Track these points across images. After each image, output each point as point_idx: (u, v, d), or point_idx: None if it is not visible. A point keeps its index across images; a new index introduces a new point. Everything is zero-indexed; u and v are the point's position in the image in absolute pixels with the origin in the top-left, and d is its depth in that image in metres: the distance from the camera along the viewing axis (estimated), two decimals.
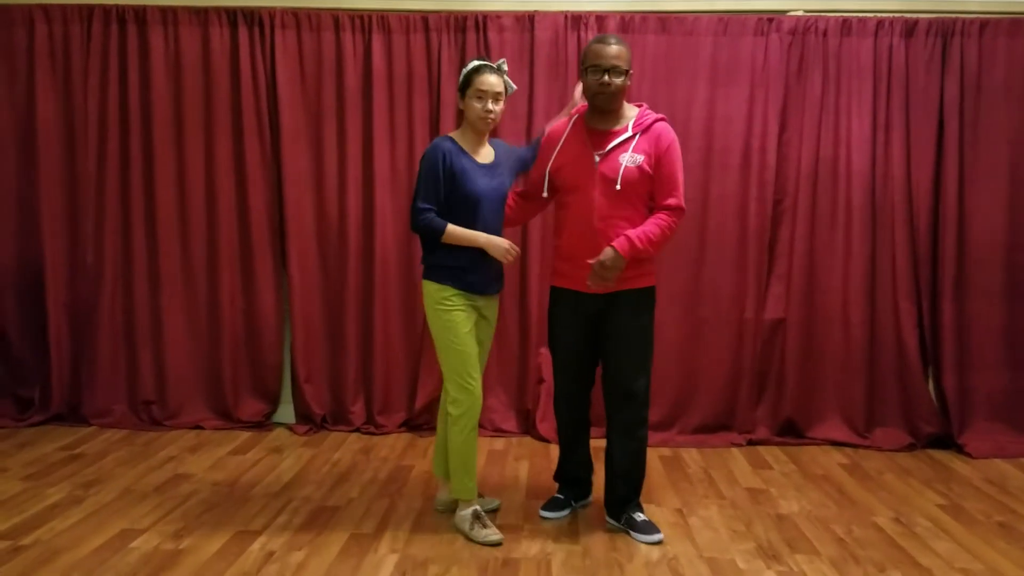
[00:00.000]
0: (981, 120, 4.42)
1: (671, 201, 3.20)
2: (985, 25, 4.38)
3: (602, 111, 3.23)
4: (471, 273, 3.20)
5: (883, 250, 4.49)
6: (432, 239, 3.19)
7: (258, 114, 4.50)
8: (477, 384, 3.22)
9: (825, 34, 4.42)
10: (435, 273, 3.21)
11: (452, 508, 3.38)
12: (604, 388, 3.35)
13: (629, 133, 3.20)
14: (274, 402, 4.70)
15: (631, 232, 3.13)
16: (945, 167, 4.44)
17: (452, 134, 3.25)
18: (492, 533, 3.19)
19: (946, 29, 4.40)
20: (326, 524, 3.33)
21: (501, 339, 4.55)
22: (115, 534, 3.19)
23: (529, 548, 3.15)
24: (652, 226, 3.16)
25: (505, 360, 4.59)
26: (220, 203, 4.54)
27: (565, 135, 3.29)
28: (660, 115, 3.29)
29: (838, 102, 4.45)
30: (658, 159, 3.19)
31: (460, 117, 3.32)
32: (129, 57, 4.48)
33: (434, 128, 4.50)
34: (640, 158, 3.17)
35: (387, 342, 4.59)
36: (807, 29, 4.43)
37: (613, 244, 3.10)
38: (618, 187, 3.15)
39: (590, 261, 3.12)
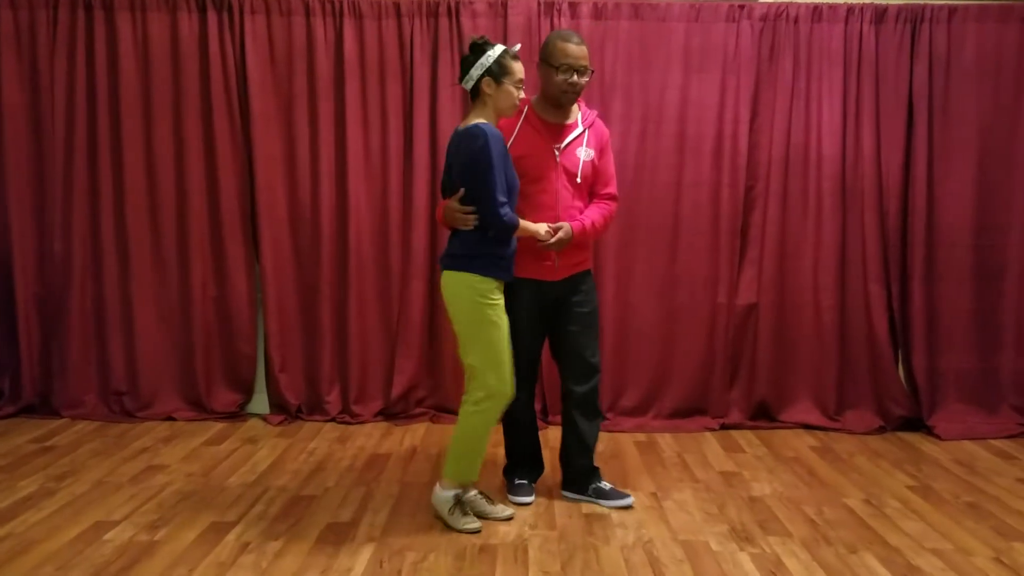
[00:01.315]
0: (950, 105, 4.47)
1: (611, 190, 3.48)
2: (954, 11, 4.43)
3: (561, 107, 3.35)
4: (512, 263, 3.18)
5: (853, 234, 4.54)
6: (507, 235, 3.10)
7: (228, 100, 4.45)
8: (512, 380, 3.16)
9: (796, 20, 4.45)
10: (479, 264, 3.07)
11: (439, 509, 3.24)
12: (566, 367, 3.48)
13: (581, 128, 3.38)
14: (248, 392, 4.67)
15: (585, 219, 3.35)
16: (914, 152, 4.49)
17: (479, 120, 3.08)
18: (471, 521, 3.19)
19: (915, 15, 4.44)
20: (303, 513, 3.33)
21: None
22: (89, 526, 3.17)
23: (507, 534, 3.16)
24: (598, 215, 3.40)
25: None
26: (190, 191, 4.50)
27: (519, 126, 3.34)
28: (596, 111, 3.52)
29: (809, 88, 4.49)
30: (601, 152, 3.43)
31: (465, 102, 3.31)
32: (96, 43, 4.41)
33: (408, 114, 4.48)
34: (592, 152, 3.39)
35: (363, 330, 4.58)
36: (778, 15, 4.45)
37: (572, 224, 3.29)
38: (579, 180, 3.36)
39: (551, 237, 3.22)
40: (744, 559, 2.97)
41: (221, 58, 4.42)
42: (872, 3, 4.44)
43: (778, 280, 4.58)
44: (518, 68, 3.09)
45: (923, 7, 4.43)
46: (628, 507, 3.42)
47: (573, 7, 4.42)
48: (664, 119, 4.47)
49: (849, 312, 4.57)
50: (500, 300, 3.12)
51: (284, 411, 4.58)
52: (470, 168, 3.02)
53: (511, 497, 3.49)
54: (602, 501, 3.46)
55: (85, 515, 3.27)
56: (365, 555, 2.96)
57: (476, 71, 3.06)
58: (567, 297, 3.41)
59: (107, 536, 3.08)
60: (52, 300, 4.55)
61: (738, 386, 4.63)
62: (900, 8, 4.43)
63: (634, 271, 4.54)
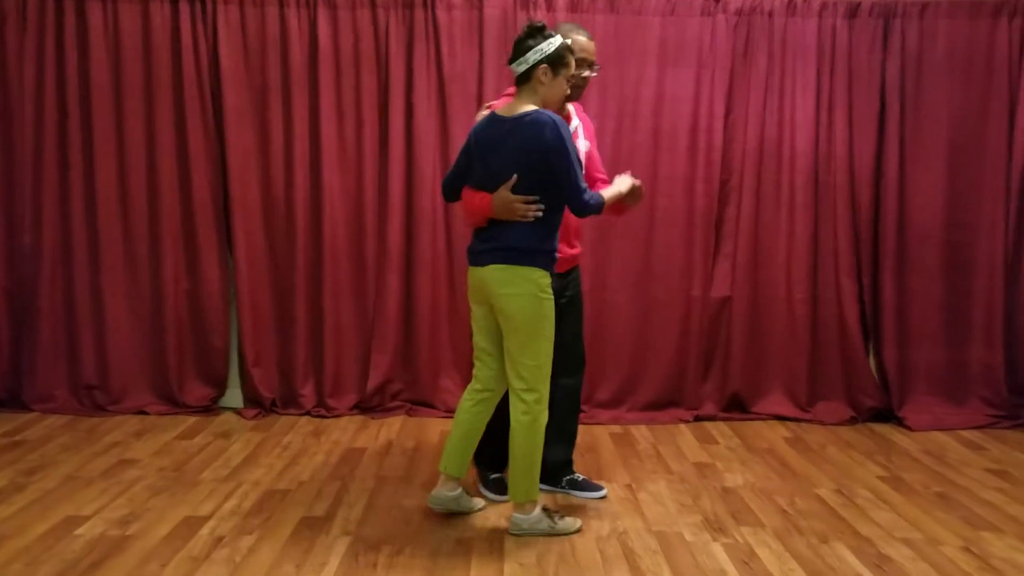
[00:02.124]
0: (922, 100, 4.52)
1: (605, 175, 3.48)
2: (926, 7, 4.47)
3: (569, 100, 3.32)
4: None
5: (825, 228, 4.57)
6: (599, 213, 3.02)
7: (200, 91, 4.40)
8: None
9: (771, 15, 4.47)
10: (540, 259, 2.96)
11: (448, 508, 3.20)
12: (557, 360, 3.33)
13: (576, 120, 3.37)
14: (221, 386, 4.63)
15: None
16: (886, 146, 4.53)
17: (533, 107, 2.94)
18: (574, 520, 3.15)
19: (888, 10, 4.47)
20: (277, 507, 3.31)
21: (455, 320, 4.56)
22: (60, 521, 3.14)
23: (482, 527, 3.17)
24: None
25: (458, 341, 4.59)
26: (162, 183, 4.45)
27: None
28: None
29: (783, 82, 4.52)
30: (592, 142, 3.46)
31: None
32: (66, 33, 4.35)
33: (383, 107, 4.45)
34: (588, 144, 3.39)
35: (337, 323, 4.56)
36: (753, 10, 4.47)
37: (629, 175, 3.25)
38: (583, 172, 3.32)
39: (636, 183, 3.19)
40: (717, 549, 3.00)
41: (193, 49, 4.37)
42: None
43: (751, 273, 4.61)
44: (573, 63, 3.01)
45: (896, 3, 4.47)
46: (602, 498, 3.44)
47: (549, 0, 4.41)
48: (639, 113, 4.48)
49: (821, 305, 4.62)
50: (552, 295, 3.02)
51: (258, 405, 4.56)
52: (542, 158, 2.87)
53: (490, 494, 3.45)
54: (577, 492, 3.48)
55: (55, 510, 3.24)
56: (340, 549, 2.95)
57: (534, 56, 2.89)
58: (562, 291, 3.37)
59: (78, 531, 3.05)
60: (22, 294, 4.49)
61: (712, 378, 4.66)
62: (873, 4, 4.47)
63: (609, 265, 4.56)
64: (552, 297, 3.00)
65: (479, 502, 3.34)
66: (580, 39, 3.27)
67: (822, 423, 4.56)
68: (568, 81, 3.00)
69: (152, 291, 4.52)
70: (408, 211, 4.50)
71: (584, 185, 2.93)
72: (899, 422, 4.56)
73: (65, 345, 4.53)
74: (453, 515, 3.24)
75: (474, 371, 3.18)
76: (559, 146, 2.85)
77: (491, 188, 2.97)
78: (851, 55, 4.49)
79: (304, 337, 4.57)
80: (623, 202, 3.20)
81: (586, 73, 3.29)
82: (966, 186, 4.57)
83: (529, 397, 2.99)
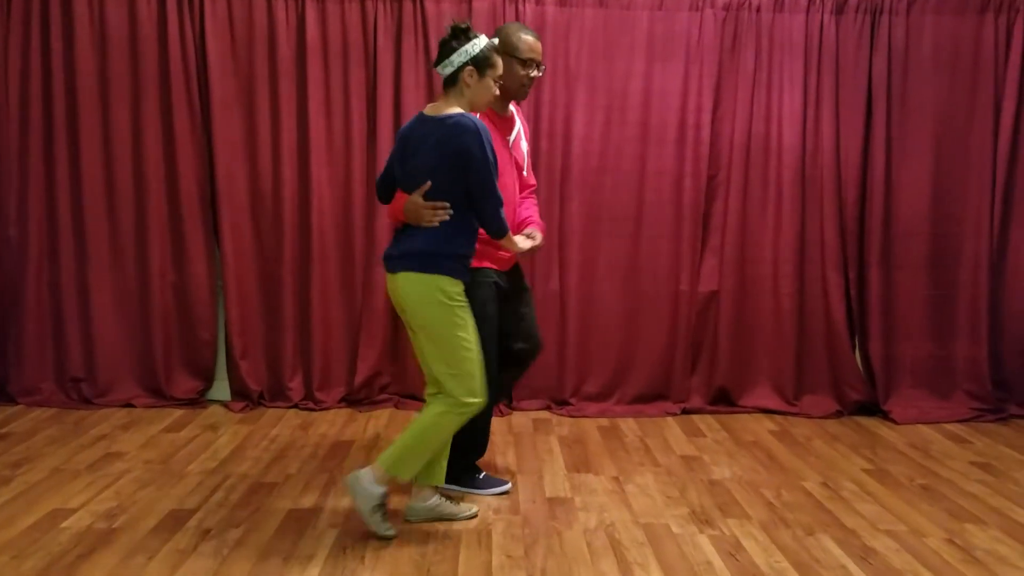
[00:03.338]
0: (908, 95, 4.54)
1: (534, 182, 3.55)
2: (912, 2, 4.49)
3: (516, 100, 3.37)
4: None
5: (812, 223, 4.60)
6: (501, 237, 2.97)
7: (187, 84, 4.38)
8: (484, 386, 3.00)
9: (758, 10, 4.49)
10: (448, 265, 2.88)
11: (427, 518, 3.13)
12: (518, 350, 3.46)
13: (519, 122, 3.40)
14: (208, 379, 4.62)
15: (538, 220, 3.42)
16: (873, 141, 4.55)
17: (458, 110, 2.89)
18: (391, 528, 3.01)
19: (875, 6, 4.49)
20: (264, 500, 3.31)
21: None
22: (46, 513, 3.12)
23: (470, 519, 3.17)
24: (535, 210, 3.47)
25: None
26: (149, 176, 4.43)
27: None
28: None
29: (770, 78, 4.53)
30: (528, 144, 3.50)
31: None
32: (52, 25, 4.32)
33: (371, 99, 4.45)
34: (527, 145, 3.44)
35: (325, 316, 4.55)
36: (741, 5, 4.48)
37: (539, 229, 3.33)
38: (525, 173, 3.42)
39: (532, 244, 3.21)
40: (704, 541, 3.01)
41: (180, 41, 4.34)
42: None
43: (738, 268, 4.63)
44: (500, 64, 2.96)
45: None
46: (506, 493, 3.43)
47: None
48: (628, 107, 4.49)
49: (807, 299, 4.64)
50: (466, 301, 2.95)
51: (246, 398, 4.55)
52: (459, 163, 2.82)
53: (483, 491, 3.42)
54: (479, 491, 3.43)
55: (41, 503, 3.22)
56: (328, 541, 2.95)
57: (459, 58, 2.86)
58: (515, 284, 3.42)
59: (64, 524, 3.04)
60: (8, 286, 4.46)
61: (699, 372, 4.68)
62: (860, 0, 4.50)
63: (597, 259, 4.56)
64: (465, 303, 2.92)
65: (468, 508, 3.21)
66: (527, 38, 3.27)
67: (808, 416, 4.59)
68: (496, 82, 2.95)
69: (139, 283, 4.50)
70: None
71: (499, 198, 2.89)
72: (884, 415, 4.60)
73: (51, 338, 4.51)
74: None
75: (425, 375, 3.11)
76: (479, 154, 2.80)
77: (408, 189, 2.93)
78: (838, 51, 4.51)
79: (292, 330, 4.56)
80: (511, 250, 3.18)
81: (534, 73, 3.29)
82: (952, 181, 4.60)
83: (447, 402, 2.95)
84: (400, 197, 3.01)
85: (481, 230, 3.02)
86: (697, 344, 4.66)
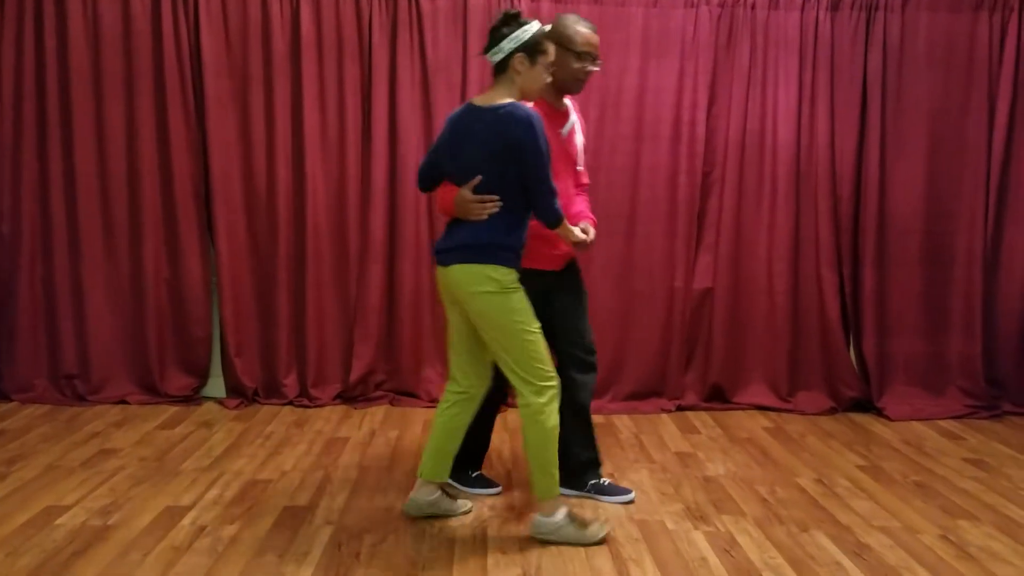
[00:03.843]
0: (903, 92, 4.55)
1: (587, 180, 3.40)
2: (907, 0, 4.49)
3: (570, 94, 3.25)
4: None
5: (807, 220, 4.60)
6: (555, 228, 2.91)
7: (181, 80, 4.37)
8: (552, 365, 2.94)
9: (753, 7, 4.49)
10: (503, 256, 2.84)
11: (426, 512, 3.11)
12: (567, 355, 3.33)
13: (574, 115, 3.28)
14: (203, 376, 4.61)
15: (592, 217, 3.29)
16: (868, 139, 4.56)
17: (511, 100, 2.82)
18: (601, 527, 2.98)
19: (870, 3, 4.50)
20: (259, 497, 3.31)
21: (438, 310, 4.56)
22: (40, 511, 3.12)
23: (465, 516, 3.17)
24: (587, 205, 3.33)
25: (442, 331, 4.59)
26: (143, 172, 4.41)
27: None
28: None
29: (765, 74, 4.53)
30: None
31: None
32: (45, 21, 4.30)
33: (366, 96, 4.44)
34: (583, 139, 3.32)
35: (320, 313, 4.55)
36: (736, 2, 4.48)
37: (590, 223, 3.20)
38: (580, 167, 3.30)
39: (586, 238, 3.08)
40: (698, 537, 3.02)
41: (175, 37, 4.33)
42: None
43: (733, 265, 4.64)
44: (552, 50, 2.88)
45: None
46: (630, 502, 3.33)
47: None
48: (622, 104, 4.49)
49: (802, 296, 4.65)
50: (520, 287, 2.89)
51: (241, 395, 4.54)
52: (512, 155, 2.77)
53: (476, 491, 3.39)
54: (601, 497, 3.36)
55: (35, 500, 3.22)
56: (323, 538, 2.95)
57: (509, 44, 2.78)
58: (563, 283, 3.30)
59: (58, 521, 3.03)
60: (1, 283, 4.45)
61: (694, 368, 4.68)
62: None
63: (592, 256, 4.56)
64: (519, 289, 2.87)
65: (464, 504, 3.21)
66: (584, 31, 3.16)
67: (802, 413, 4.60)
68: (547, 69, 2.88)
69: (133, 280, 4.49)
70: (391, 201, 4.50)
71: (554, 187, 2.84)
72: (878, 412, 4.61)
73: (45, 335, 4.49)
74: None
75: (450, 372, 3.08)
76: (532, 145, 2.75)
77: (459, 181, 2.89)
78: (833, 48, 4.52)
79: (287, 327, 4.55)
80: (567, 240, 3.09)
81: (589, 67, 3.17)
82: (946, 178, 4.61)
83: (526, 390, 2.88)
84: (449, 189, 2.95)
85: (533, 223, 2.99)
86: (692, 341, 4.67)
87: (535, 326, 2.90)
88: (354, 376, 4.54)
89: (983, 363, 4.67)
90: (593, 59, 3.19)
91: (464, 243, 2.86)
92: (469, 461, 3.45)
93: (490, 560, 2.82)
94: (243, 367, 4.54)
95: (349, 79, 4.42)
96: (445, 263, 2.91)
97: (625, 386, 4.64)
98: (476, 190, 2.84)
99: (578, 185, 3.32)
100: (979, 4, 4.50)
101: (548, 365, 2.91)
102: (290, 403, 4.56)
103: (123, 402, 4.49)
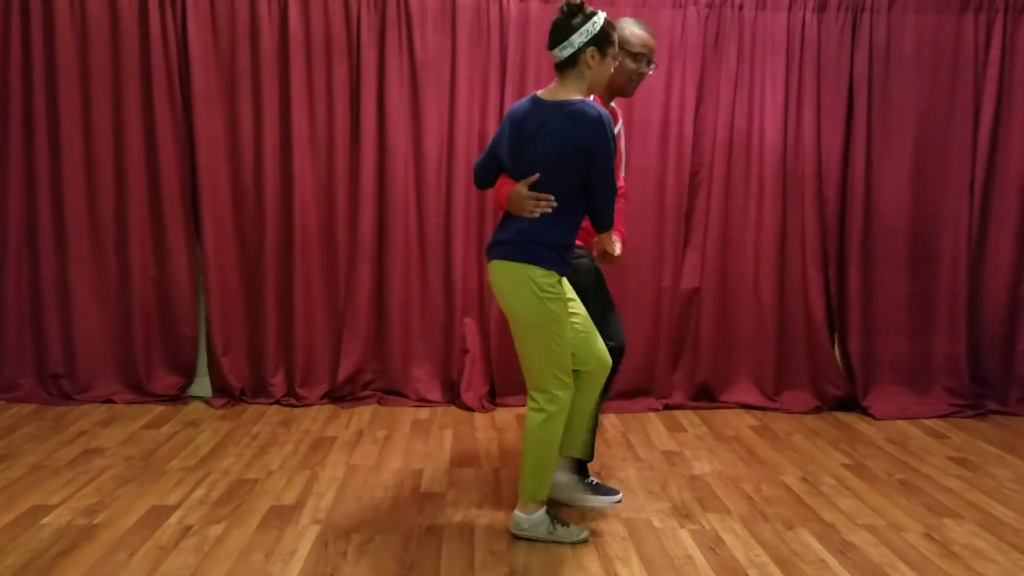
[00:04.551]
0: (889, 93, 4.57)
1: (624, 184, 3.39)
2: (894, 1, 4.52)
3: (624, 96, 3.22)
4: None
5: (793, 220, 4.62)
6: (608, 230, 2.88)
7: (169, 78, 4.35)
8: (571, 377, 2.89)
9: (741, 8, 4.50)
10: (545, 257, 2.75)
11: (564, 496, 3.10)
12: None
13: (620, 121, 3.28)
14: (189, 375, 4.60)
15: (620, 227, 3.27)
16: (854, 139, 4.59)
17: (581, 96, 2.75)
18: (580, 530, 2.97)
19: (856, 4, 4.52)
20: (245, 497, 3.30)
21: (427, 309, 4.56)
22: (26, 510, 3.10)
23: (452, 514, 3.18)
24: (622, 217, 3.32)
25: (430, 330, 4.59)
26: (129, 170, 4.40)
27: None
28: None
29: (752, 75, 4.55)
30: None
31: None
32: (32, 17, 4.28)
33: (355, 94, 4.43)
34: (624, 143, 3.32)
35: (308, 312, 4.54)
36: (723, 3, 4.50)
37: (621, 240, 3.19)
38: (623, 173, 3.34)
39: (614, 251, 3.12)
40: (684, 536, 3.03)
41: (162, 34, 4.32)
42: None
43: (720, 265, 4.65)
44: (617, 41, 2.80)
45: None
46: (617, 502, 3.30)
47: None
48: None
49: (788, 296, 4.67)
50: (562, 292, 2.82)
51: (227, 394, 4.53)
52: (581, 155, 2.69)
53: (600, 499, 3.29)
54: (589, 498, 3.32)
55: (21, 500, 3.20)
56: (310, 537, 2.95)
57: (579, 38, 2.67)
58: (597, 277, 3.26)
59: (44, 521, 3.02)
60: None
61: (681, 368, 4.70)
62: None
63: None
64: (558, 296, 2.79)
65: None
66: (640, 33, 3.11)
67: (788, 412, 4.62)
68: (615, 60, 2.82)
69: (119, 279, 4.48)
70: (380, 199, 4.49)
71: (616, 189, 2.79)
72: (864, 411, 4.64)
73: (31, 333, 4.47)
74: (427, 502, 3.24)
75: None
76: (603, 149, 2.67)
77: (517, 176, 2.81)
78: (820, 48, 4.54)
79: (274, 326, 4.54)
80: (602, 247, 3.11)
81: (644, 68, 3.13)
82: (931, 179, 4.64)
83: (539, 395, 2.84)
84: (506, 182, 2.88)
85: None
86: (679, 340, 4.68)
87: (565, 337, 2.82)
88: (342, 375, 4.54)
89: (968, 362, 4.70)
90: (648, 61, 3.15)
91: (510, 239, 2.79)
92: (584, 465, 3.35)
93: (477, 558, 2.83)
94: (230, 366, 4.53)
95: (338, 77, 4.41)
96: (491, 257, 2.86)
97: (614, 385, 4.63)
98: (534, 187, 2.76)
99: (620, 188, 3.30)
100: (965, 6, 4.53)
101: (568, 375, 2.85)
102: (277, 402, 4.55)
103: (109, 401, 4.47)
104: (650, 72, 3.20)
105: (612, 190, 2.77)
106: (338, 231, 4.50)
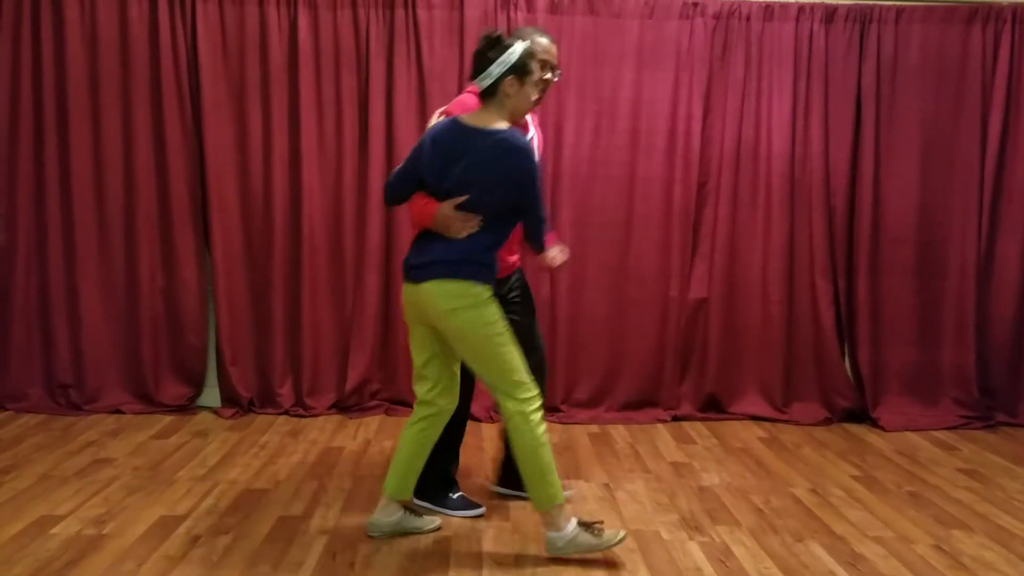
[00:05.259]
0: (896, 104, 4.57)
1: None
2: (901, 12, 4.52)
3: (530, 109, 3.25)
4: None
5: (801, 230, 4.62)
6: (541, 250, 3.01)
7: (179, 89, 4.38)
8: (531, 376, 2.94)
9: (748, 19, 4.51)
10: (482, 273, 2.84)
11: (389, 532, 3.04)
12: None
13: (533, 131, 3.29)
14: (198, 385, 4.61)
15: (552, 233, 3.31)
16: (861, 149, 4.59)
17: (504, 125, 2.83)
18: (615, 533, 2.91)
19: (864, 15, 4.53)
20: (253, 507, 3.30)
21: None
22: (34, 520, 3.11)
23: (460, 526, 3.17)
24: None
25: None
26: (139, 180, 4.42)
27: None
28: None
29: (760, 86, 4.56)
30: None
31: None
32: (43, 28, 4.31)
33: (363, 105, 4.45)
34: (539, 154, 3.33)
35: (315, 322, 4.54)
36: (730, 14, 4.51)
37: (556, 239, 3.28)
38: None
39: (557, 260, 3.18)
40: (693, 548, 3.02)
41: (172, 45, 4.34)
42: (822, 3, 4.52)
43: (728, 275, 4.65)
44: (537, 69, 2.90)
45: (871, 7, 4.52)
46: (479, 516, 3.28)
47: (529, 1, 4.43)
48: (618, 115, 4.50)
49: (796, 306, 4.66)
50: (493, 299, 2.89)
51: (236, 404, 4.53)
52: (513, 183, 2.79)
53: (455, 512, 3.27)
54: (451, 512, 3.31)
55: (29, 510, 3.21)
56: (317, 548, 2.95)
57: (498, 69, 2.76)
58: (511, 290, 3.29)
59: (53, 531, 3.02)
60: None
61: (689, 378, 4.69)
62: (849, 8, 4.52)
63: (587, 265, 4.57)
64: (493, 302, 2.87)
65: (431, 520, 3.13)
66: (543, 41, 3.19)
67: (797, 423, 4.61)
68: (535, 88, 2.91)
69: (128, 289, 4.49)
70: (387, 210, 4.50)
71: (545, 216, 2.91)
72: (873, 423, 4.62)
73: (39, 343, 4.48)
74: (434, 513, 3.23)
75: (415, 390, 3.04)
76: (532, 174, 2.80)
77: (441, 196, 2.85)
78: (827, 59, 4.54)
79: (282, 336, 4.55)
80: (545, 262, 3.17)
81: (549, 76, 3.23)
82: (939, 189, 4.63)
83: (509, 403, 2.86)
84: (426, 201, 2.90)
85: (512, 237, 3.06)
86: (687, 351, 4.67)
87: (508, 336, 2.88)
88: (349, 385, 4.54)
89: (976, 373, 4.68)
90: (553, 68, 3.24)
91: (440, 259, 2.83)
92: (449, 480, 3.37)
93: (485, 570, 2.82)
94: (238, 376, 4.54)
95: (346, 88, 4.43)
96: (418, 279, 2.86)
97: (620, 396, 4.64)
98: (460, 208, 2.81)
99: None
100: (972, 16, 4.53)
101: (526, 375, 2.89)
102: (285, 412, 4.55)
103: (118, 411, 4.48)
104: (555, 79, 3.26)
105: (543, 215, 2.89)
106: (346, 241, 4.51)
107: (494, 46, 2.79)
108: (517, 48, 2.80)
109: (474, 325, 2.82)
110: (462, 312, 2.81)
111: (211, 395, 4.64)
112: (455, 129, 2.86)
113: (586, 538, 2.88)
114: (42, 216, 4.42)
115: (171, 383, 4.57)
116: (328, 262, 4.53)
